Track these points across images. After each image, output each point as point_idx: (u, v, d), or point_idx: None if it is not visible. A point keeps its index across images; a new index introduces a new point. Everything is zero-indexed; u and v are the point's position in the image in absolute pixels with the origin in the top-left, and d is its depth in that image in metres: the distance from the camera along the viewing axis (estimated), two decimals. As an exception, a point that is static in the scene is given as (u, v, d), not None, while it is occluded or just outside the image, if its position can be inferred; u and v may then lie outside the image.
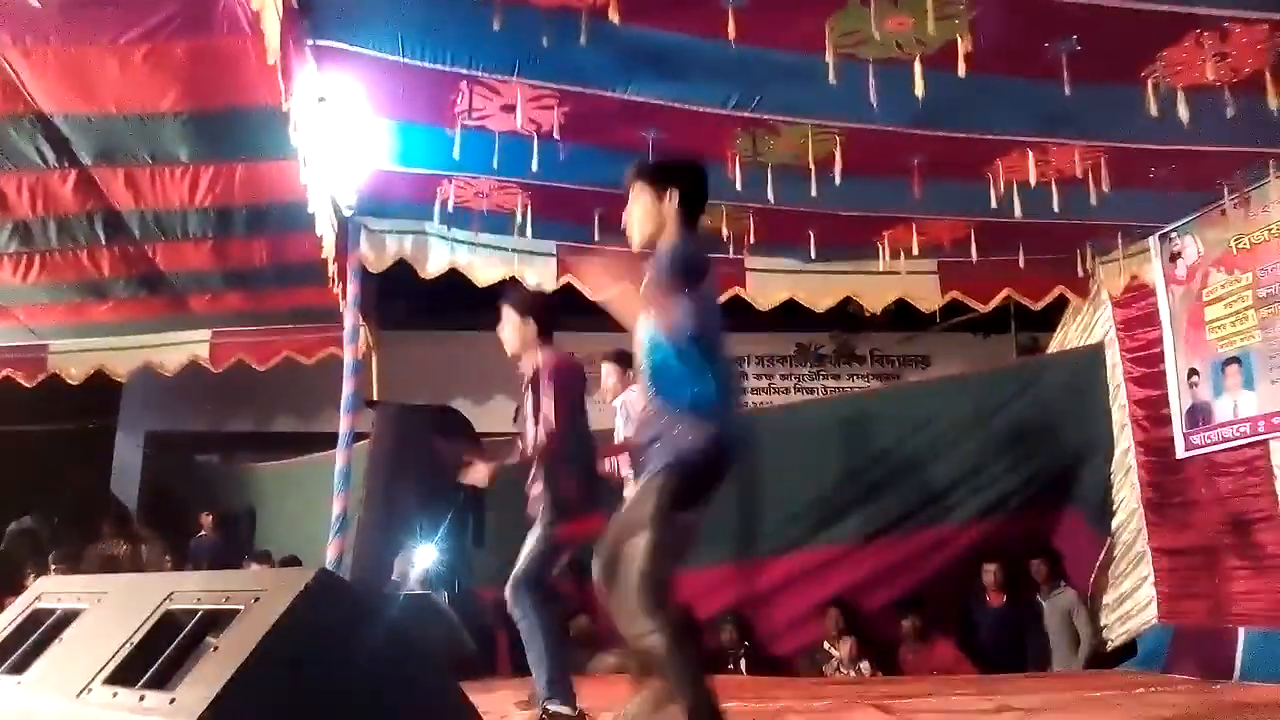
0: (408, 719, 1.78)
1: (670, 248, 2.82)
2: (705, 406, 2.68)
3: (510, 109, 4.22)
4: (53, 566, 6.54)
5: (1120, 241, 5.91)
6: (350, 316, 5.56)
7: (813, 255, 5.74)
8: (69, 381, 7.30)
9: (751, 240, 5.61)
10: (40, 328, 6.90)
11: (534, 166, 4.44)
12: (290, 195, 4.80)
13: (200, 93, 4.26)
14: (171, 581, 2.06)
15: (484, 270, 5.81)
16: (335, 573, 3.00)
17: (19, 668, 2.06)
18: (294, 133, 3.96)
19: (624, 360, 4.76)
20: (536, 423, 3.71)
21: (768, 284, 6.22)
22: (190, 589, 1.90)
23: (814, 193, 4.64)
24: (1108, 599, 6.05)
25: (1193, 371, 5.53)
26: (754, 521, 6.35)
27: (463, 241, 5.78)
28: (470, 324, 8.65)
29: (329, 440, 5.74)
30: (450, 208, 5.22)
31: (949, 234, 5.75)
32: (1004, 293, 6.32)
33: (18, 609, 2.28)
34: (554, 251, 5.79)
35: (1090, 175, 4.74)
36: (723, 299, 6.03)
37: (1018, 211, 4.89)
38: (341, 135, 4.38)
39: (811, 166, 4.57)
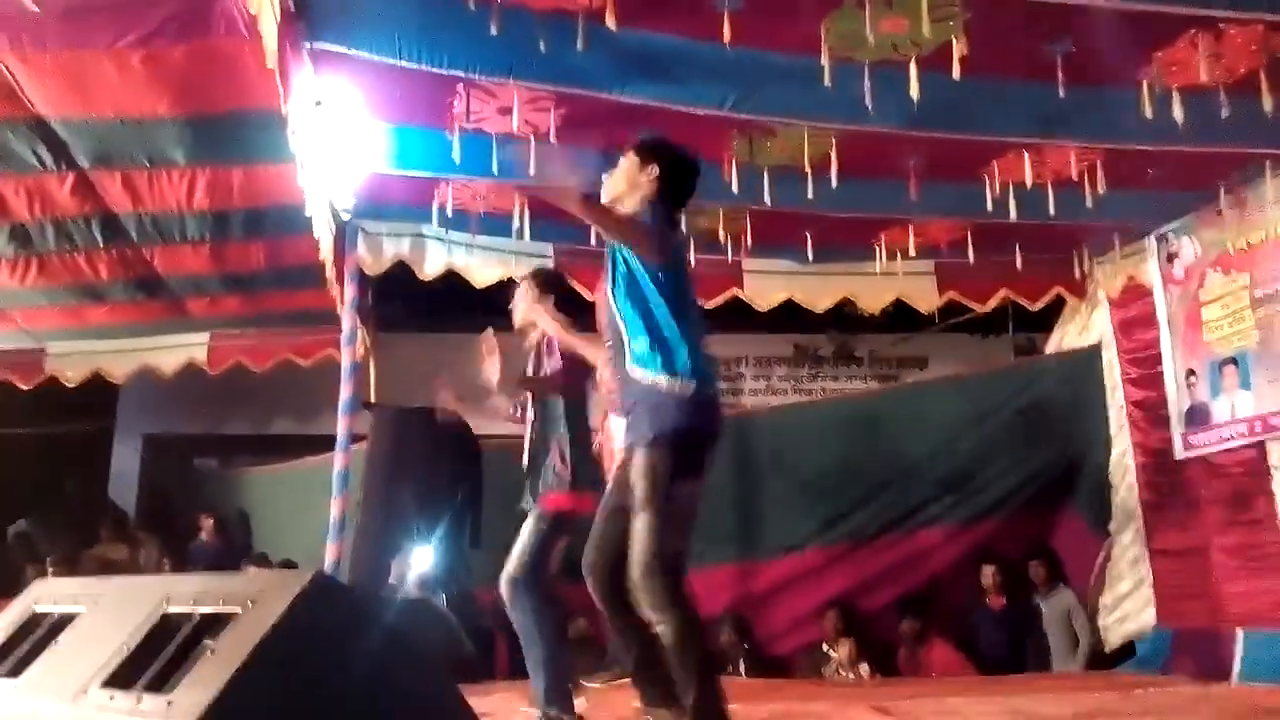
0: (405, 722, 1.79)
1: (636, 214, 2.84)
2: (684, 370, 2.68)
3: (507, 111, 4.23)
4: (50, 569, 6.54)
5: (1117, 242, 5.92)
6: (348, 319, 5.57)
7: (810, 257, 5.74)
8: (66, 384, 7.28)
9: (749, 242, 5.62)
10: (38, 330, 6.89)
11: (532, 169, 4.44)
12: (288, 198, 4.80)
13: (198, 96, 4.26)
14: (168, 584, 2.06)
15: (481, 272, 5.82)
16: (332, 576, 3.01)
17: (16, 670, 2.05)
18: (291, 136, 3.97)
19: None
20: (537, 400, 3.68)
21: (765, 285, 6.22)
22: (187, 592, 1.90)
23: (810, 194, 4.65)
24: (1106, 600, 6.04)
25: (1190, 372, 5.54)
26: (753, 523, 6.36)
27: (460, 244, 5.78)
28: (468, 326, 8.67)
29: (327, 442, 5.74)
30: (448, 210, 5.23)
31: (946, 235, 5.76)
32: (1001, 293, 6.33)
33: (14, 611, 2.27)
34: (551, 254, 5.79)
35: (1086, 176, 4.75)
36: (720, 300, 6.10)
37: (1014, 213, 4.90)
38: (339, 138, 4.39)
39: (808, 168, 4.58)
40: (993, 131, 4.53)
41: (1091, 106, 4.13)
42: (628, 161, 2.94)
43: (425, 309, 7.94)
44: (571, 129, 4.36)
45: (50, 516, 7.86)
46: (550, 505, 3.57)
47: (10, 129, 4.42)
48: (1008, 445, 6.27)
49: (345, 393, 5.48)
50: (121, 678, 1.76)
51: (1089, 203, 4.79)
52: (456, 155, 4.41)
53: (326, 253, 5.19)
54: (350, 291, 5.59)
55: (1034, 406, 6.36)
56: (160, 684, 1.69)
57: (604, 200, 2.91)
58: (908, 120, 4.23)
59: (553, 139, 4.35)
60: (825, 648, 6.04)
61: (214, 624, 1.75)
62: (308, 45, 3.85)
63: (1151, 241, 5.77)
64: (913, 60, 3.73)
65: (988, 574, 6.13)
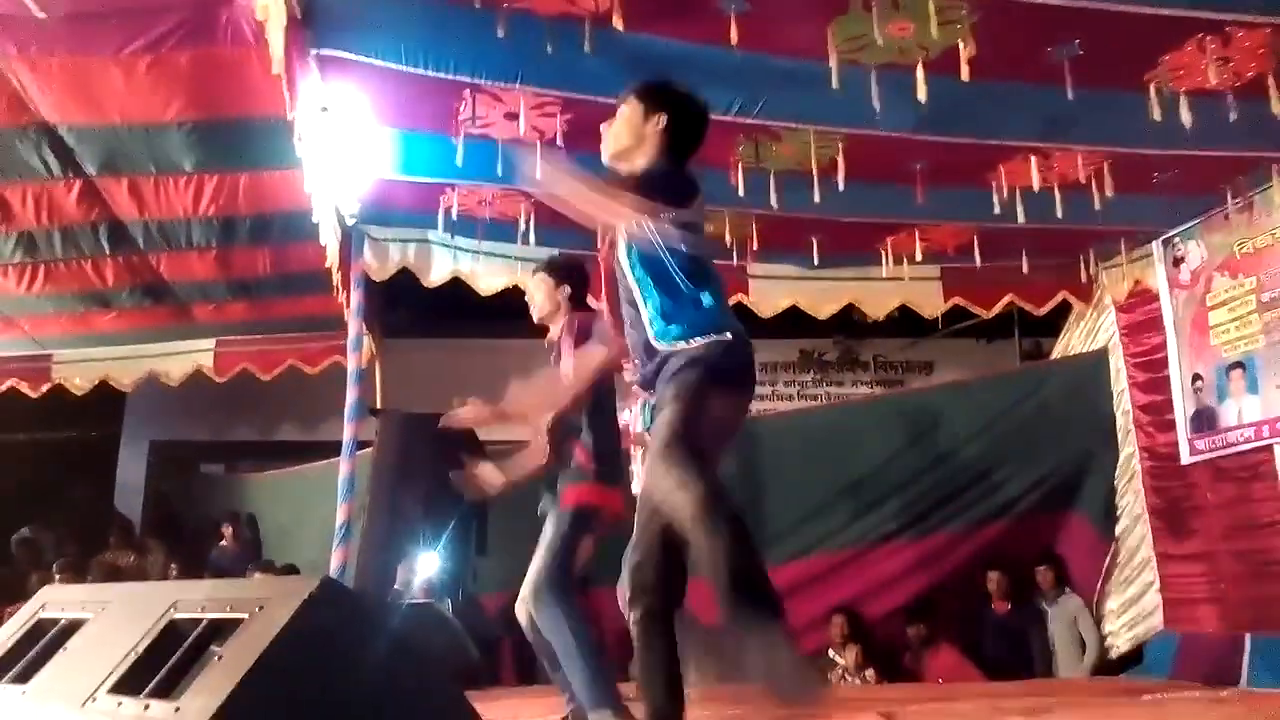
0: (412, 728, 1.78)
1: (647, 167, 2.55)
2: (712, 326, 2.42)
3: (513, 116, 4.22)
4: (57, 576, 6.54)
5: (1123, 246, 5.91)
6: (354, 325, 5.56)
7: (816, 262, 5.74)
8: (73, 392, 7.31)
9: (754, 247, 5.60)
10: (45, 338, 6.91)
11: (538, 175, 4.44)
12: (294, 204, 4.81)
13: (204, 103, 4.27)
14: (175, 591, 2.06)
15: (487, 278, 5.81)
16: (339, 581, 3.00)
17: (23, 677, 2.05)
18: (298, 142, 3.97)
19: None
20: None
21: (770, 291, 6.20)
22: (194, 598, 1.90)
23: (817, 199, 4.64)
24: (1113, 605, 6.02)
25: (1197, 376, 5.52)
26: (758, 528, 6.34)
27: (466, 250, 5.78)
28: (473, 332, 8.67)
29: (333, 448, 5.73)
30: (454, 216, 5.22)
31: (952, 240, 5.74)
32: (1007, 298, 6.31)
33: (22, 618, 2.27)
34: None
35: (1093, 180, 4.73)
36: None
37: (1020, 217, 4.89)
38: (345, 144, 4.38)
39: (814, 173, 4.56)
40: (1000, 135, 4.52)
41: (1098, 110, 4.11)
42: (630, 109, 2.64)
43: (431, 315, 7.94)
44: (578, 134, 4.36)
45: (56, 523, 7.88)
46: (571, 500, 3.29)
47: (17, 136, 4.44)
48: (1014, 450, 6.25)
49: (351, 398, 5.48)
50: (129, 684, 1.76)
51: (1096, 206, 4.78)
52: (460, 160, 4.41)
53: (332, 259, 5.19)
54: (356, 297, 5.59)
55: (1040, 411, 6.35)
56: (168, 690, 1.69)
57: (607, 157, 2.67)
58: (914, 124, 4.22)
59: (559, 144, 4.34)
60: (831, 653, 6.02)
61: (221, 630, 1.75)
62: (314, 51, 3.85)
63: (1158, 246, 5.76)
64: (920, 64, 3.71)
65: (992, 579, 6.12)
